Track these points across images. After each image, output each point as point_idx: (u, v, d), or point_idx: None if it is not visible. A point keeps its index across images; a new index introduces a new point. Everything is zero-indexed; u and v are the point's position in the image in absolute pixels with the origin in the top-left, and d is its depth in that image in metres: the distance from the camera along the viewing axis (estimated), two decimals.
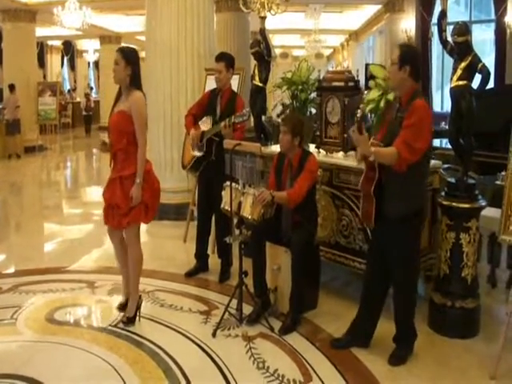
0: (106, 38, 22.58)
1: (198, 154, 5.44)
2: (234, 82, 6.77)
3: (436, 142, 8.99)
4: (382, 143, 3.82)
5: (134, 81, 4.38)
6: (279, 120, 7.57)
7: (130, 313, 4.61)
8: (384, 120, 4.26)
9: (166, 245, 7.00)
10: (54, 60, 28.51)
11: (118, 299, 5.02)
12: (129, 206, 4.36)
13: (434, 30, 13.11)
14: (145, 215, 4.48)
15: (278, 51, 28.36)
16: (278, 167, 4.84)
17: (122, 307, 4.76)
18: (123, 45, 21.71)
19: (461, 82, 4.37)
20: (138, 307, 4.66)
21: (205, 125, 5.46)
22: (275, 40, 23.38)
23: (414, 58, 3.86)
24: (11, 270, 6.14)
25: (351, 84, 5.30)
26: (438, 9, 12.52)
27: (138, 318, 4.64)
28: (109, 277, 5.60)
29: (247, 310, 4.66)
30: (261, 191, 4.53)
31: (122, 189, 4.37)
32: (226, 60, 5.50)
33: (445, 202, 4.40)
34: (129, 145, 4.36)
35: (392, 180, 3.78)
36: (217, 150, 5.35)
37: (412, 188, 3.80)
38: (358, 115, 3.73)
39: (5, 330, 4.51)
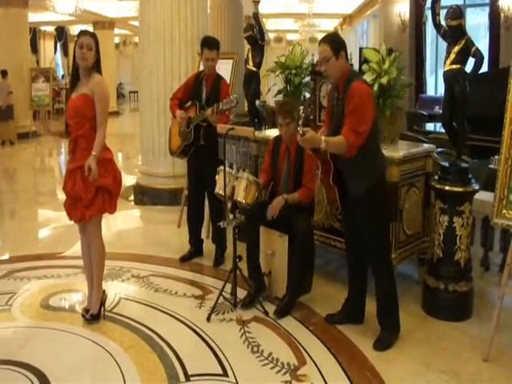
0: (100, 23, 22.49)
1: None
2: (228, 67, 6.76)
3: (429, 126, 9.03)
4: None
5: (98, 65, 4.18)
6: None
7: (93, 310, 4.36)
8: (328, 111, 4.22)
9: (160, 230, 7.00)
10: (47, 46, 28.33)
11: (113, 284, 5.05)
12: (91, 197, 4.08)
13: (428, 13, 13.09)
14: (109, 205, 4.23)
15: (271, 35, 28.24)
16: (274, 152, 4.84)
17: (87, 312, 4.42)
18: (117, 31, 21.22)
19: (454, 66, 4.38)
20: (103, 303, 4.42)
21: (190, 111, 5.40)
22: (269, 24, 23.27)
23: (342, 42, 3.87)
24: (6, 257, 6.13)
25: None
26: None
27: (103, 315, 4.41)
28: None
29: (241, 294, 4.68)
30: (276, 199, 4.57)
31: (83, 179, 4.05)
32: (219, 48, 5.43)
33: (438, 186, 4.41)
34: (91, 130, 4.09)
35: (345, 165, 3.85)
36: (205, 135, 5.33)
37: (366, 165, 3.83)
38: (300, 123, 3.76)
39: (0, 317, 4.52)
